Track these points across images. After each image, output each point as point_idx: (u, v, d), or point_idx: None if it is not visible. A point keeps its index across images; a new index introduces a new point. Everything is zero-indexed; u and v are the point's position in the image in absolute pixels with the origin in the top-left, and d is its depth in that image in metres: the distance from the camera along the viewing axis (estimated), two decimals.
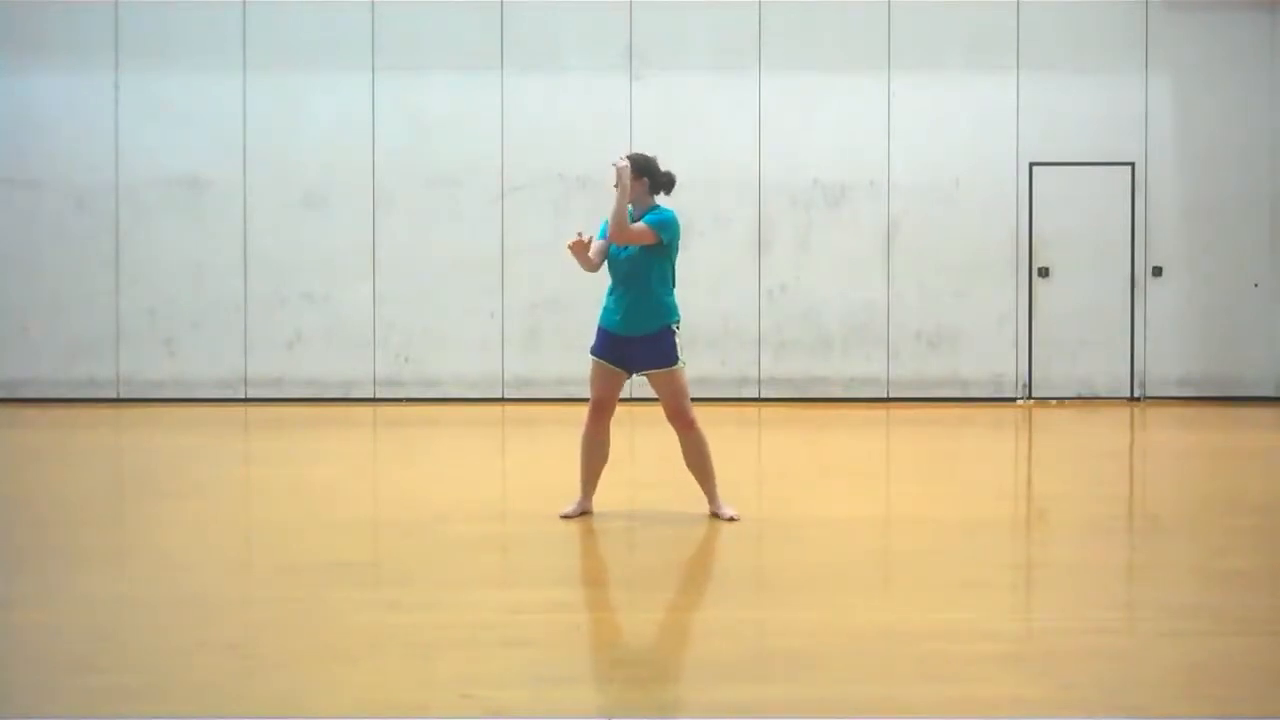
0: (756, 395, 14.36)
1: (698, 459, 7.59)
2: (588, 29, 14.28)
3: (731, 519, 7.51)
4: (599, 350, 7.55)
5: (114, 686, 4.51)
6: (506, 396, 14.35)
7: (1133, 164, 14.40)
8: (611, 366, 7.53)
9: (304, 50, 14.26)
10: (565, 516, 7.59)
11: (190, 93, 14.25)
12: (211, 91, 14.25)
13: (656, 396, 7.56)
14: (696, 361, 13.81)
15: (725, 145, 14.24)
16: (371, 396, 14.34)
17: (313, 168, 14.27)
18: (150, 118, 14.27)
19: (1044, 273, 14.43)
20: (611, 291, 7.53)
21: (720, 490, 7.63)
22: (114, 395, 14.31)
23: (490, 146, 14.30)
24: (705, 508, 7.63)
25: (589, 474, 7.66)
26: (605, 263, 7.53)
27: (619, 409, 7.79)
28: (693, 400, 7.57)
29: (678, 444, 7.59)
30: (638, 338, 7.46)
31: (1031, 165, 14.37)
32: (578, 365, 13.68)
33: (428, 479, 9.44)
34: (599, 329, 7.57)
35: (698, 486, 7.65)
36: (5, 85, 14.31)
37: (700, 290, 13.78)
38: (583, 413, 7.63)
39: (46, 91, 14.27)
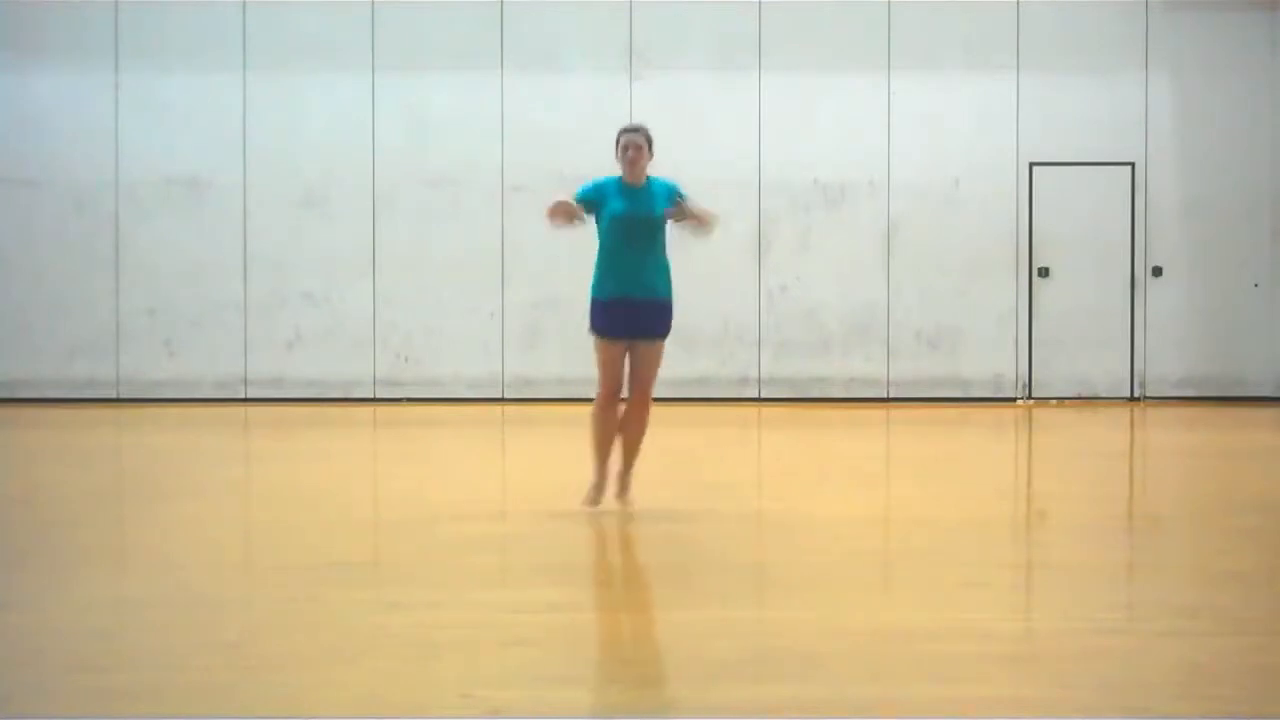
0: (756, 395, 14.35)
1: (637, 436, 7.44)
2: (588, 29, 14.27)
3: (624, 501, 7.39)
4: (607, 328, 7.30)
5: (113, 686, 4.51)
6: (506, 396, 14.35)
7: (1133, 164, 14.40)
8: (622, 342, 7.30)
9: (304, 50, 14.25)
10: (591, 504, 7.38)
11: (190, 93, 14.25)
12: (211, 91, 14.24)
13: (632, 364, 7.35)
14: (696, 362, 13.82)
15: (725, 145, 14.23)
16: (371, 396, 14.34)
17: (313, 168, 14.27)
18: (150, 118, 14.27)
19: (1044, 273, 14.42)
20: (621, 255, 7.28)
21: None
22: (114, 395, 14.30)
23: (490, 146, 14.29)
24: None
25: (605, 454, 7.43)
26: (613, 227, 7.31)
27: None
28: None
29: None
30: (654, 301, 7.29)
31: (1031, 165, 14.37)
32: (578, 365, 13.72)
33: (427, 479, 9.43)
34: (602, 303, 7.32)
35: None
36: (5, 85, 14.31)
37: (700, 290, 13.73)
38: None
39: (46, 91, 14.27)
